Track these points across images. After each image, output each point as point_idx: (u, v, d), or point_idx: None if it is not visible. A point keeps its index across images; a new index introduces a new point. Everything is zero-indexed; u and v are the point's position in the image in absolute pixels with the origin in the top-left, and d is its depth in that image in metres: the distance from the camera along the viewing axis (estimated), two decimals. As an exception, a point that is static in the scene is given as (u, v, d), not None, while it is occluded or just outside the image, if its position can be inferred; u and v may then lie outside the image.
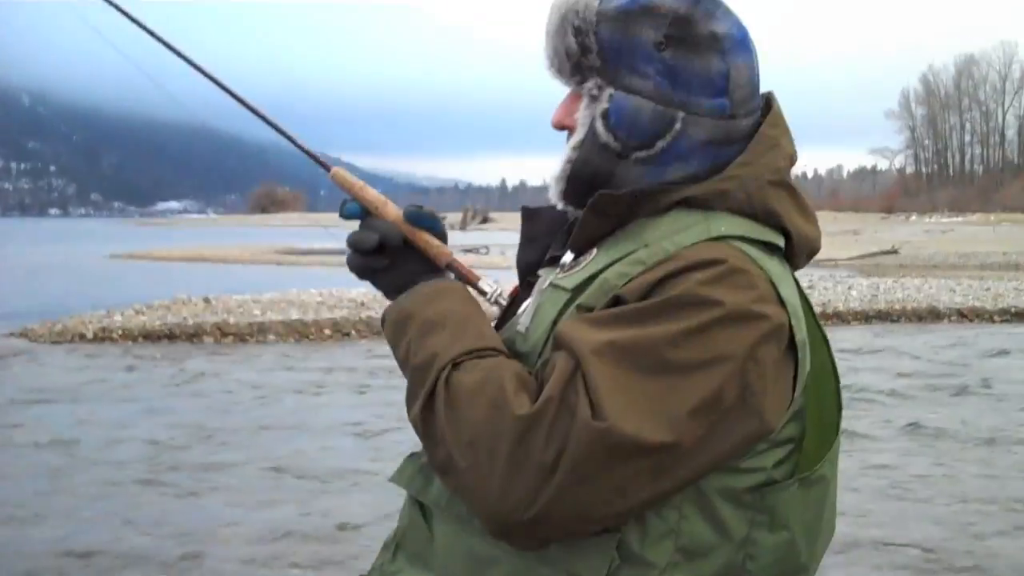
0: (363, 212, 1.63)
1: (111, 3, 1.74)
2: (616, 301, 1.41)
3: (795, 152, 1.60)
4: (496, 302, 1.66)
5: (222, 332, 16.65)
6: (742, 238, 1.46)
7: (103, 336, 16.27)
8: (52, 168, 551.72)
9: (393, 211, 1.62)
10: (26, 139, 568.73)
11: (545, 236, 1.69)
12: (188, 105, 1.98)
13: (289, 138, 1.72)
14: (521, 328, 1.52)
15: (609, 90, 1.53)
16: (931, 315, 19.73)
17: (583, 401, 1.30)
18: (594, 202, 1.52)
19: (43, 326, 16.86)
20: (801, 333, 1.44)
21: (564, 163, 1.57)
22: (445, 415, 1.38)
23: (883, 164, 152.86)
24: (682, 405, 1.32)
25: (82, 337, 16.22)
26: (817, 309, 18.62)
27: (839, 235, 60.73)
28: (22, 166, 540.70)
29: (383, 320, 1.58)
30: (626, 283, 1.42)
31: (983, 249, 45.93)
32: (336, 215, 1.67)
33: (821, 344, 1.54)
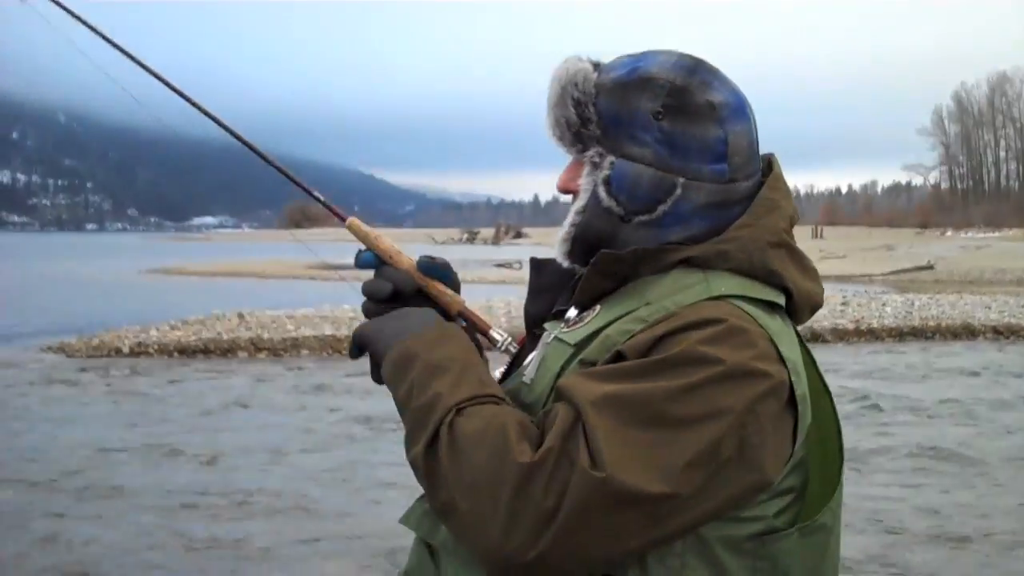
0: (378, 261, 1.68)
1: (96, 31, 1.82)
2: (618, 356, 1.45)
3: (796, 213, 1.64)
4: (507, 350, 1.71)
5: (256, 347, 16.81)
6: (742, 297, 1.51)
7: (139, 351, 16.47)
8: (89, 184, 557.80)
9: (407, 261, 1.67)
10: (63, 156, 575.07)
11: (552, 288, 1.73)
12: (192, 130, 2.05)
13: (305, 188, 1.78)
14: (526, 379, 1.57)
15: (610, 158, 1.58)
16: (966, 332, 19.62)
17: (583, 451, 1.34)
18: (597, 261, 1.57)
19: (80, 341, 17.08)
20: (801, 388, 1.47)
21: (569, 226, 1.62)
22: (448, 459, 1.42)
23: (917, 180, 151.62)
24: (679, 457, 1.35)
25: (118, 352, 16.43)
26: (851, 326, 18.60)
27: (873, 250, 60.42)
28: (59, 182, 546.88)
29: (381, 355, 1.59)
30: (628, 339, 1.47)
31: (1019, 264, 45.47)
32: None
33: (823, 396, 1.57)
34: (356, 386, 13.14)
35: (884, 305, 22.94)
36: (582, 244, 1.62)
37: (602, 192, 1.58)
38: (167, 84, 1.80)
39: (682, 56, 1.60)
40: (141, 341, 16.84)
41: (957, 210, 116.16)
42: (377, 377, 1.61)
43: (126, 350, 16.48)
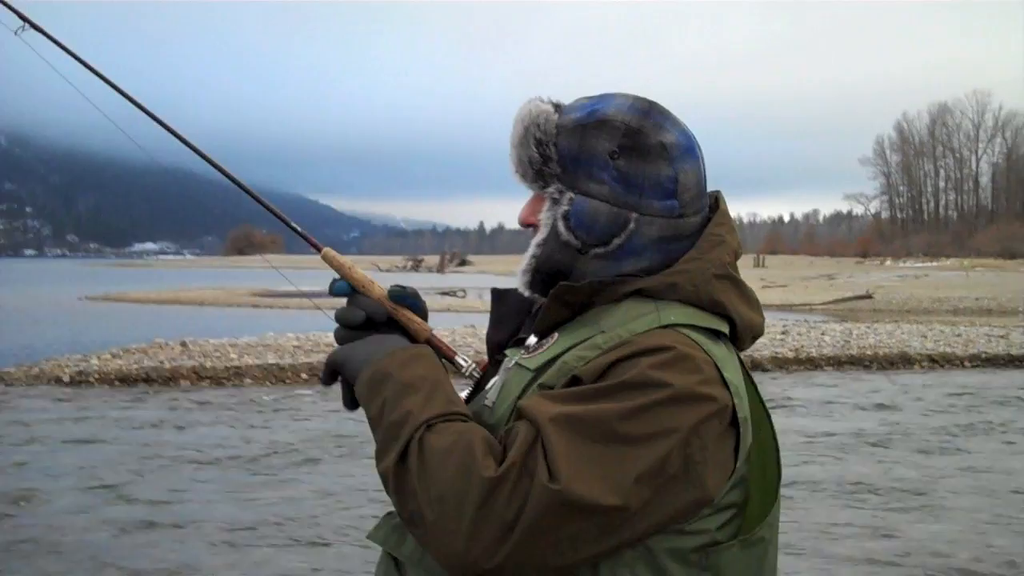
0: (351, 290, 1.77)
1: (75, 57, 1.92)
2: (574, 381, 1.56)
3: (740, 246, 1.76)
4: (471, 376, 1.82)
5: (199, 376, 16.67)
6: (690, 326, 1.62)
7: (80, 380, 16.25)
8: (28, 209, 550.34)
9: (378, 290, 1.77)
10: (2, 180, 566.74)
11: (513, 317, 1.85)
12: (159, 157, 2.14)
13: (283, 219, 1.90)
14: (488, 403, 1.67)
15: (569, 194, 1.69)
16: (903, 361, 19.93)
17: (541, 465, 1.45)
18: (556, 292, 1.68)
19: (19, 369, 16.82)
20: (743, 411, 1.59)
21: (529, 258, 1.73)
22: (417, 472, 1.51)
23: (859, 209, 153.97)
24: (630, 472, 1.46)
25: (59, 380, 16.19)
26: (790, 355, 18.76)
27: (815, 279, 61.20)
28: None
29: (355, 375, 1.67)
30: (583, 365, 1.57)
31: (956, 294, 46.32)
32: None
33: (764, 419, 1.69)
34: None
35: (823, 334, 23.26)
36: (542, 275, 1.73)
37: (561, 226, 1.69)
38: (166, 126, 1.93)
39: (637, 99, 1.72)
40: (82, 370, 16.60)
41: (897, 239, 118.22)
42: (349, 402, 1.70)
43: (66, 379, 16.25)
